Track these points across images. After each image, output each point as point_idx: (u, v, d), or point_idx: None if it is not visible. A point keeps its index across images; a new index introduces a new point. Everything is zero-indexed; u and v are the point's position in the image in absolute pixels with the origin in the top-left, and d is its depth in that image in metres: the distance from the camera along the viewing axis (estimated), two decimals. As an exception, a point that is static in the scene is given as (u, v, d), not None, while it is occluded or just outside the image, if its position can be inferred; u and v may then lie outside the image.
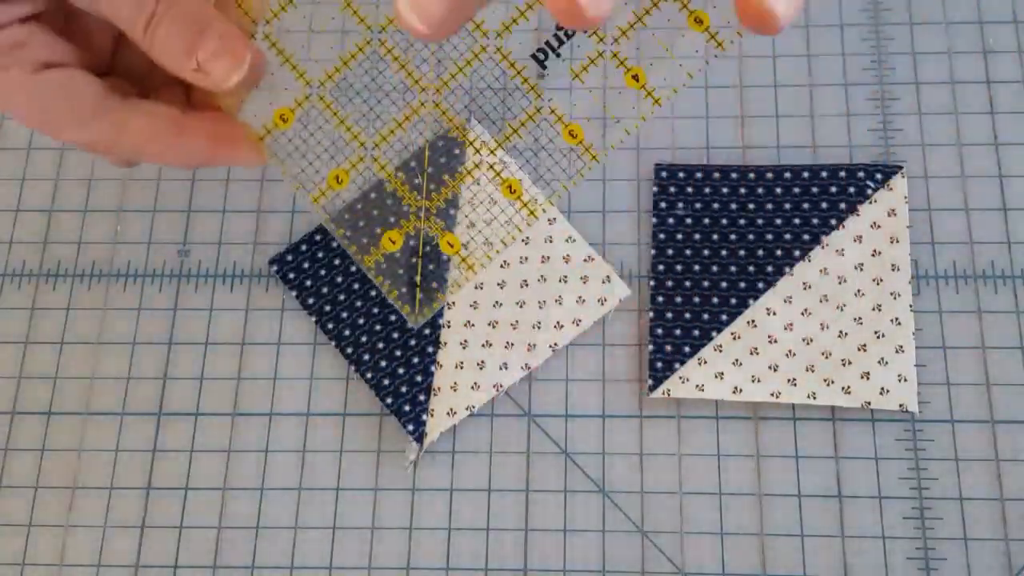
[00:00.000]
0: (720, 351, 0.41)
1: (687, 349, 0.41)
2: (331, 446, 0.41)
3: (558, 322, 0.42)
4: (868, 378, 0.40)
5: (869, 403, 0.40)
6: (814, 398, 0.40)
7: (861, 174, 0.43)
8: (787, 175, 0.44)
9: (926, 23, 0.47)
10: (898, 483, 0.39)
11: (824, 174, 0.43)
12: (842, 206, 0.43)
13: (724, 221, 0.43)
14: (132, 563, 0.40)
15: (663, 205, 0.44)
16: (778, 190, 0.43)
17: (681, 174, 0.44)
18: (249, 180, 0.46)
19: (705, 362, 0.41)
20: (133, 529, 0.40)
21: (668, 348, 0.41)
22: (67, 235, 0.46)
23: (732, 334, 0.41)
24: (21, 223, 0.46)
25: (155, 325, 0.44)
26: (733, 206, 0.43)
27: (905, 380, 0.40)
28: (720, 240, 0.43)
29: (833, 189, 0.43)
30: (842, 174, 0.43)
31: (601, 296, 0.42)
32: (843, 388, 0.40)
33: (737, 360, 0.41)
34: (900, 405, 0.39)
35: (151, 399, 0.42)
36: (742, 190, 0.43)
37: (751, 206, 0.43)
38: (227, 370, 0.43)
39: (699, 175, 0.44)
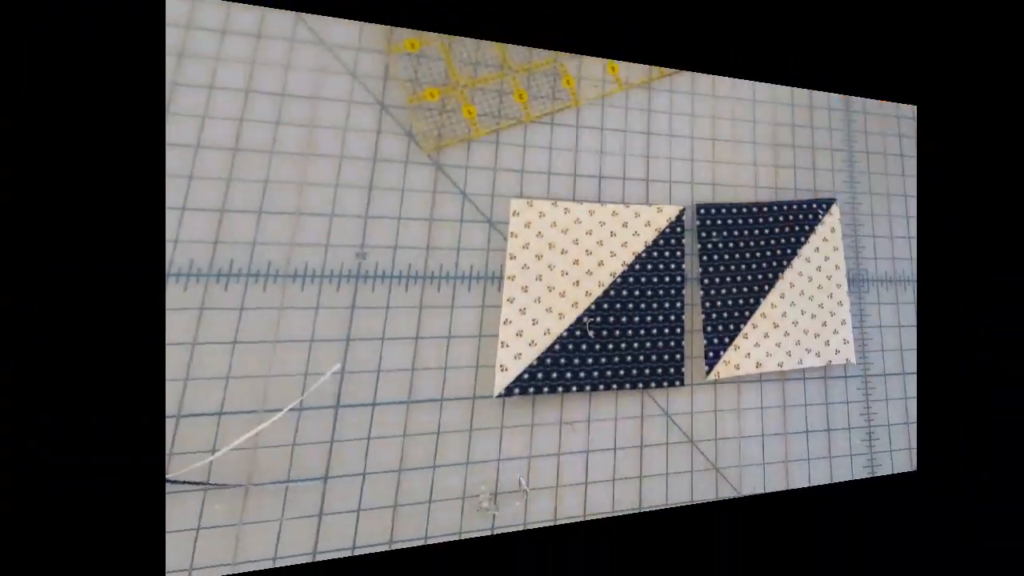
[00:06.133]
0: (747, 338, 0.57)
1: (727, 339, 0.56)
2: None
3: None
4: (828, 344, 0.58)
5: (831, 362, 0.58)
6: (801, 363, 0.57)
7: (814, 206, 0.61)
8: (765, 208, 0.60)
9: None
10: (858, 417, 0.59)
11: (794, 206, 0.61)
12: (806, 228, 0.61)
13: (742, 244, 0.59)
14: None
15: (703, 235, 0.58)
16: (766, 220, 0.60)
17: (718, 215, 0.59)
18: (423, 192, 0.51)
19: (738, 347, 0.56)
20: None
21: (715, 340, 0.56)
22: (241, 235, 0.46)
23: (752, 324, 0.57)
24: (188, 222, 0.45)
25: (333, 322, 0.46)
26: (746, 233, 0.59)
27: (847, 342, 0.59)
28: (739, 259, 0.58)
29: (800, 217, 0.61)
30: (803, 206, 0.61)
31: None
32: (816, 354, 0.58)
33: (757, 343, 0.57)
34: (846, 359, 0.59)
35: (328, 392, 0.46)
36: (750, 220, 0.60)
37: (756, 232, 0.60)
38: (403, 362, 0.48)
39: (733, 211, 0.59)
